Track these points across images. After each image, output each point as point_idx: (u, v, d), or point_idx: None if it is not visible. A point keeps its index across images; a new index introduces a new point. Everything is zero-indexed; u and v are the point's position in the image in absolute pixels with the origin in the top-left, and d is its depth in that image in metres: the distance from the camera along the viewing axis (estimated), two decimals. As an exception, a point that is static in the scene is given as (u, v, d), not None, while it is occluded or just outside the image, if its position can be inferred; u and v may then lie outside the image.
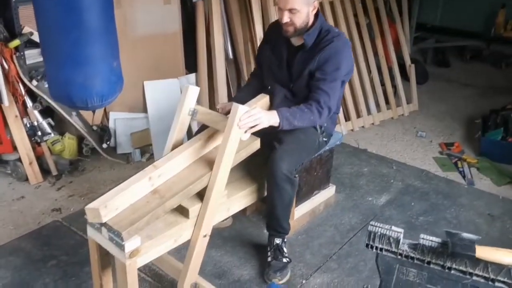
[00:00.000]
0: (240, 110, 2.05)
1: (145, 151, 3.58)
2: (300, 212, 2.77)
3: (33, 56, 3.25)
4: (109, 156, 3.47)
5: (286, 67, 2.48)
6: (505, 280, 1.27)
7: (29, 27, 3.14)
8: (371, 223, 1.44)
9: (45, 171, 3.28)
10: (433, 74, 5.55)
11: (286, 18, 2.29)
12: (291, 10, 2.26)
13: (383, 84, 4.47)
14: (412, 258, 1.38)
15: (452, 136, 4.14)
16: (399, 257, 1.39)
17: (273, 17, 3.60)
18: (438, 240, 1.36)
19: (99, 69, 2.05)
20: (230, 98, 3.84)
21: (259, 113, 2.10)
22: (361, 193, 3.20)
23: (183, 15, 3.68)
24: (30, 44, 3.21)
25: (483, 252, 1.27)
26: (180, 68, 3.64)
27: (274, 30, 2.54)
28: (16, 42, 3.03)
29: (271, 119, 2.18)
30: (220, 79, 3.66)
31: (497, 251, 1.29)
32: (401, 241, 1.40)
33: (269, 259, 2.44)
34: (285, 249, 2.47)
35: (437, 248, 1.36)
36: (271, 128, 2.21)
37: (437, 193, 3.22)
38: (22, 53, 3.14)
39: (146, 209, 1.95)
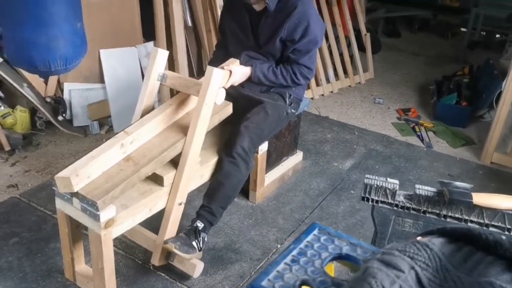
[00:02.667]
0: (215, 73, 2.00)
1: (104, 123, 3.44)
2: (270, 178, 2.77)
3: (-24, 23, 3.01)
4: (65, 129, 3.29)
5: (252, 34, 2.44)
6: (499, 224, 1.32)
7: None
8: (366, 176, 1.45)
9: (-4, 146, 3.08)
10: (385, 44, 5.65)
11: None
12: None
13: (340, 53, 4.50)
14: (408, 208, 1.40)
15: (407, 103, 4.25)
16: (395, 208, 1.41)
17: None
18: (433, 189, 1.39)
19: (62, 30, 1.92)
20: (190, 67, 3.74)
21: (235, 68, 2.27)
22: (326, 159, 3.24)
23: (139, -20, 3.51)
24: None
25: (480, 198, 1.31)
26: (137, 36, 3.48)
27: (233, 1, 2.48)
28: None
29: (244, 73, 2.35)
30: (179, 47, 3.53)
31: (492, 196, 1.33)
32: (397, 192, 1.41)
33: (182, 233, 2.14)
34: (201, 239, 2.15)
35: (433, 197, 1.39)
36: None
37: (398, 157, 3.31)
38: (-36, 19, 2.89)
39: (120, 177, 1.87)
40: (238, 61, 2.43)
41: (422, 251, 0.71)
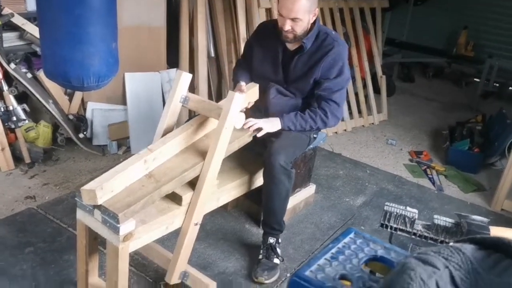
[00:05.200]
0: (236, 98, 2.03)
1: (122, 144, 3.52)
2: (282, 208, 2.80)
3: (11, 39, 3.14)
4: (85, 146, 3.38)
5: (282, 70, 2.47)
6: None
7: (9, 9, 3.04)
8: (386, 203, 1.49)
9: (17, 158, 3.16)
10: (399, 88, 5.76)
11: (287, 26, 2.27)
12: (293, 19, 2.26)
13: (355, 93, 4.60)
14: (426, 237, 1.43)
15: (420, 146, 4.30)
16: (413, 236, 1.45)
17: (257, 17, 3.64)
18: (452, 220, 1.43)
19: (98, 48, 2.02)
20: (210, 96, 3.84)
21: (264, 123, 2.31)
22: (338, 194, 3.27)
23: (167, 11, 3.66)
24: (8, 27, 3.10)
25: (497, 231, 1.34)
26: (162, 62, 3.61)
27: (266, 31, 2.53)
28: (-4, 23, 2.92)
29: (274, 126, 2.36)
30: (201, 76, 3.65)
31: (509, 230, 1.36)
32: (415, 221, 1.45)
33: (260, 257, 2.43)
34: (278, 250, 2.46)
35: (451, 228, 1.42)
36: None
37: (410, 197, 3.34)
38: (0, 35, 3.02)
39: (142, 193, 1.92)
40: (257, 85, 2.50)
41: (455, 254, 0.75)
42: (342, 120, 4.41)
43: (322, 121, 2.40)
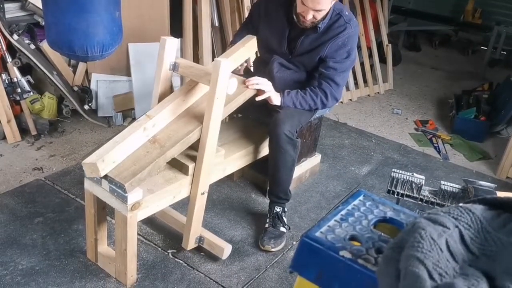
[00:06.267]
0: (222, 65, 1.94)
1: (127, 115, 3.52)
2: (288, 177, 2.81)
3: (12, 10, 3.11)
4: (90, 118, 3.39)
5: (286, 44, 2.41)
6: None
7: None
8: (393, 169, 1.50)
9: (23, 130, 3.17)
10: (405, 57, 5.70)
11: (310, 16, 2.21)
12: (317, 10, 2.19)
13: (361, 63, 4.55)
14: (433, 203, 1.44)
15: (425, 115, 4.29)
16: (420, 202, 1.45)
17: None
18: (458, 186, 1.43)
19: (102, 17, 1.99)
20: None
21: (270, 86, 2.28)
22: (343, 163, 3.28)
23: (169, -21, 3.59)
24: (10, -3, 3.07)
25: (505, 196, 1.34)
26: (165, 32, 3.56)
27: (273, 5, 2.42)
28: (-4, -7, 2.88)
29: (276, 97, 2.31)
30: (205, 46, 3.62)
31: (516, 194, 1.37)
32: (422, 187, 1.46)
33: (267, 225, 2.45)
34: (284, 218, 2.49)
35: (458, 193, 1.43)
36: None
37: (415, 166, 3.34)
38: (1, 6, 2.99)
39: (147, 160, 1.92)
40: (255, 37, 2.47)
41: (465, 214, 0.76)
42: (348, 89, 4.38)
43: (321, 102, 2.37)
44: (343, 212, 1.04)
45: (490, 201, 0.80)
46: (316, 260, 0.97)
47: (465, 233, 0.74)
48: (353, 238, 0.99)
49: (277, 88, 2.34)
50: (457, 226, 0.74)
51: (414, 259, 0.68)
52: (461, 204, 0.79)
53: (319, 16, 2.23)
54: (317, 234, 0.98)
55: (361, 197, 1.12)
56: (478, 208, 0.78)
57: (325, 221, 0.99)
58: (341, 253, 0.94)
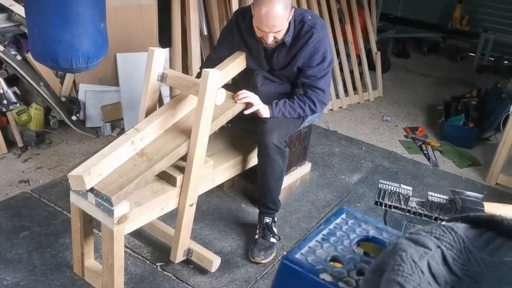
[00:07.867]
0: (211, 75, 1.93)
1: (116, 126, 3.49)
2: (278, 187, 2.79)
3: (-2, 21, 3.08)
4: (78, 129, 3.35)
5: (265, 61, 2.41)
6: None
7: (-4, -11, 2.97)
8: (380, 181, 1.49)
9: (9, 142, 3.12)
10: (394, 64, 5.72)
11: (271, 39, 2.21)
12: (275, 32, 2.18)
13: (350, 70, 4.56)
14: (420, 214, 1.43)
15: (415, 122, 4.30)
16: (408, 213, 1.44)
17: (250, -5, 3.58)
18: (445, 197, 1.42)
19: (87, 28, 1.98)
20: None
21: (258, 99, 2.30)
22: (334, 172, 3.27)
23: (158, -12, 3.58)
24: (-5, 8, 3.04)
25: (491, 207, 1.34)
26: (154, 42, 3.54)
27: (243, 25, 2.37)
28: (-18, 4, 2.85)
29: (265, 110, 2.32)
30: (194, 55, 3.60)
31: (504, 206, 1.36)
32: (410, 198, 1.45)
33: (257, 236, 2.43)
34: (274, 229, 2.47)
35: (445, 204, 1.42)
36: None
37: (405, 173, 3.34)
38: (-13, 17, 2.96)
39: (134, 173, 1.90)
40: (243, 54, 2.43)
41: (447, 233, 0.75)
42: (338, 97, 4.38)
43: (310, 109, 2.38)
44: (324, 232, 1.03)
45: (472, 219, 0.79)
46: (296, 283, 0.94)
47: (447, 254, 0.72)
48: (334, 259, 0.97)
49: (263, 101, 2.34)
50: (439, 247, 0.73)
51: (394, 284, 0.67)
52: (443, 223, 0.78)
53: (280, 35, 2.23)
54: (297, 256, 0.96)
55: (343, 215, 1.11)
56: (460, 227, 0.77)
57: (306, 242, 0.97)
58: (322, 276, 0.92)
